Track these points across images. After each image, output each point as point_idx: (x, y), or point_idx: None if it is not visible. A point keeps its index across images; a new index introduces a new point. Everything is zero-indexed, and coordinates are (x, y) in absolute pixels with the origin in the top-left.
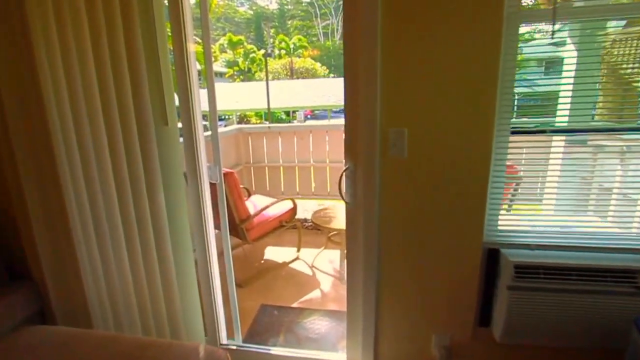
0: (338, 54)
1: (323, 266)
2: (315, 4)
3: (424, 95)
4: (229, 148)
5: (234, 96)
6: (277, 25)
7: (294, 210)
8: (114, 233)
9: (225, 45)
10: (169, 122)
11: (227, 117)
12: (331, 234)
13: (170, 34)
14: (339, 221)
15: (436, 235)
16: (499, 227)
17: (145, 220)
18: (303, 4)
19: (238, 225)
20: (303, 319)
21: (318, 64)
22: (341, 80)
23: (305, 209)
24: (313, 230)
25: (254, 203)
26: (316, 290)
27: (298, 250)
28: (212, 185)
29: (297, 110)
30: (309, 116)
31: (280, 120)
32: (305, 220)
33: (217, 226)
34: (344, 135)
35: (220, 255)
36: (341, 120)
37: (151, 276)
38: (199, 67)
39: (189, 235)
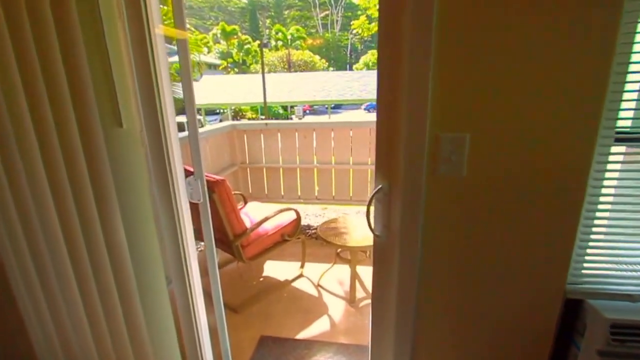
0: (337, 47)
1: (330, 286)
2: None
3: (496, 90)
4: (222, 147)
5: (228, 89)
6: (273, 15)
7: (297, 221)
8: (61, 273)
9: (219, 36)
10: (124, 123)
11: (222, 110)
12: (340, 250)
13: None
14: (351, 236)
15: (498, 280)
16: (586, 270)
17: (99, 252)
18: None
19: (232, 242)
20: (311, 357)
21: (317, 57)
22: (341, 73)
23: (307, 214)
24: (318, 241)
25: (251, 213)
26: (324, 316)
27: (302, 266)
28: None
29: (296, 105)
30: (307, 111)
31: (277, 115)
32: (309, 227)
33: (201, 238)
34: (375, 143)
35: (207, 274)
36: (342, 117)
37: (112, 319)
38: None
39: (161, 263)
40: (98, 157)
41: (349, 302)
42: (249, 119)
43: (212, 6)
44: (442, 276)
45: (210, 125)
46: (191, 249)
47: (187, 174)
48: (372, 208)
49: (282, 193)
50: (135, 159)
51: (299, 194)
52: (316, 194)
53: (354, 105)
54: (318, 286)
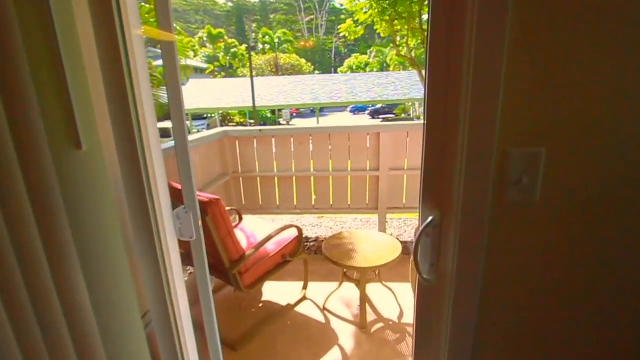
0: (322, 50)
1: (338, 309)
2: None
3: (581, 93)
4: (213, 156)
5: (215, 93)
6: (259, 18)
7: (299, 239)
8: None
9: (205, 39)
10: (84, 143)
11: (209, 115)
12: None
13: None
14: (359, 254)
15: (585, 343)
16: None
17: (49, 306)
18: None
19: (229, 271)
20: None
21: (303, 60)
22: (328, 76)
23: (303, 224)
24: (319, 256)
25: (248, 230)
26: (334, 348)
27: (305, 288)
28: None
29: (283, 109)
30: (294, 114)
31: (265, 119)
32: (307, 240)
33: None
34: (423, 163)
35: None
36: (329, 120)
37: None
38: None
39: (135, 305)
40: (45, 188)
41: (359, 328)
42: (237, 123)
43: (197, 10)
44: (508, 337)
45: (199, 133)
46: (179, 289)
47: (173, 193)
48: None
49: (278, 203)
50: (99, 187)
51: (295, 203)
52: (313, 203)
53: (340, 107)
54: (324, 310)
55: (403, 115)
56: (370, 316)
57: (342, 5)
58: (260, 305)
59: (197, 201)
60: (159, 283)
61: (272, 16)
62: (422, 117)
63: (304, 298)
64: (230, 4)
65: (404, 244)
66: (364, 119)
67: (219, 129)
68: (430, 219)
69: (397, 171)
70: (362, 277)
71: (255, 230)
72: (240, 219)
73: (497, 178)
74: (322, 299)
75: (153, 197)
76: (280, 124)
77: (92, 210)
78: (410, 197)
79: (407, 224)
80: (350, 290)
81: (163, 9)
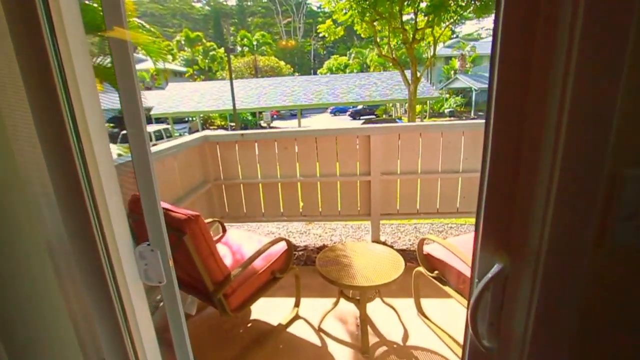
0: (301, 52)
1: (334, 329)
2: (276, 1)
3: None
4: (193, 163)
5: (195, 97)
6: (236, 21)
7: (289, 253)
8: None
9: (183, 43)
10: None
11: (190, 119)
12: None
13: None
14: (358, 270)
15: None
16: None
17: None
18: (263, 1)
19: (213, 295)
20: None
21: (282, 62)
22: (308, 78)
23: (290, 232)
24: (309, 267)
25: (233, 244)
26: None
27: (297, 305)
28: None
29: (264, 111)
30: (275, 116)
31: (246, 122)
32: (295, 248)
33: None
34: (484, 193)
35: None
36: (310, 121)
37: None
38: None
39: None
40: None
41: (360, 352)
42: (218, 126)
43: (174, 13)
44: None
45: (178, 139)
46: (147, 344)
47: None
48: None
49: (263, 211)
50: (19, 223)
51: (282, 210)
52: (301, 210)
53: (320, 109)
54: (319, 331)
55: (384, 116)
56: (372, 338)
57: (319, 7)
58: (249, 325)
59: (167, 237)
60: (116, 337)
61: (249, 19)
62: (404, 118)
63: (297, 317)
64: (207, 8)
65: (402, 251)
66: (345, 120)
67: (199, 134)
68: (497, 268)
69: (390, 175)
70: (362, 296)
71: (240, 243)
72: (224, 230)
73: (601, 211)
74: (317, 318)
75: (103, 229)
76: (261, 126)
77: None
78: (404, 202)
79: (401, 230)
80: (347, 307)
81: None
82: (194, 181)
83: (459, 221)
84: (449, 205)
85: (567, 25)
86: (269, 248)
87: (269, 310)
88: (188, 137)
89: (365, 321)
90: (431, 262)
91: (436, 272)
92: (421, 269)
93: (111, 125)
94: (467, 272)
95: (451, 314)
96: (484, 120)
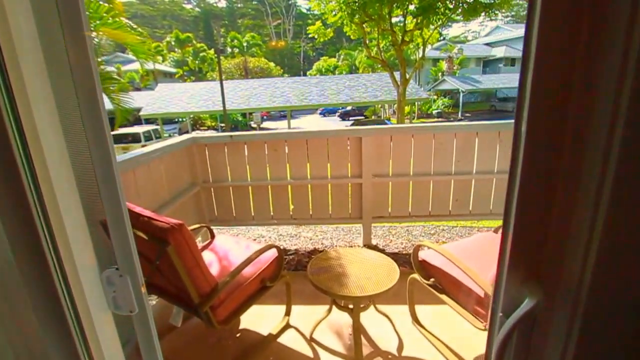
0: (291, 54)
1: (327, 339)
2: (266, 3)
3: None
4: (181, 165)
5: (185, 97)
6: (227, 23)
7: (279, 260)
8: None
9: (173, 43)
10: None
11: (180, 119)
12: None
13: None
14: (351, 279)
15: None
16: None
17: None
18: (253, 2)
19: (198, 307)
20: None
21: (272, 64)
22: (298, 79)
23: (280, 235)
24: (300, 272)
25: (220, 250)
26: None
27: (287, 314)
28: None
29: (254, 112)
30: (265, 117)
31: (236, 123)
32: (285, 252)
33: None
34: (514, 213)
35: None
36: (300, 122)
37: None
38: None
39: None
40: None
41: None
42: (208, 127)
43: (164, 15)
44: None
45: (164, 141)
46: None
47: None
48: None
49: (253, 214)
50: None
51: (272, 214)
52: (291, 213)
53: (310, 110)
54: (311, 340)
55: (373, 117)
56: (365, 348)
57: (308, 10)
58: (238, 335)
59: (137, 259)
60: None
61: (239, 21)
62: (393, 120)
63: (287, 326)
64: (197, 9)
65: (394, 255)
66: (334, 121)
67: (186, 136)
68: (529, 304)
69: (382, 178)
70: (355, 306)
71: (229, 250)
72: (212, 236)
73: None
74: (308, 327)
75: (58, 249)
76: (251, 127)
77: None
78: (396, 205)
79: (392, 233)
80: (339, 316)
81: None
82: (182, 184)
83: (450, 223)
84: (442, 208)
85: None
86: (259, 256)
87: (258, 319)
88: (175, 139)
89: (358, 331)
90: (427, 269)
91: (432, 279)
92: (416, 276)
93: None
94: (466, 280)
95: (446, 321)
96: (475, 122)
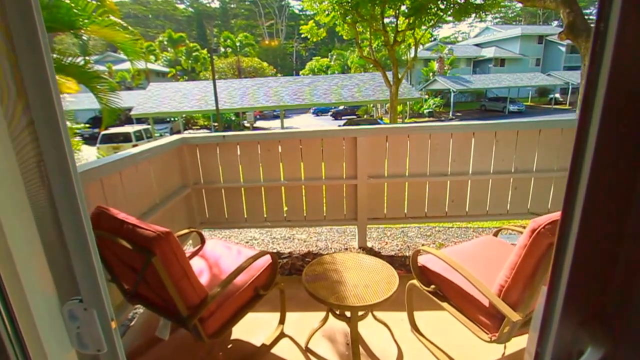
0: (284, 54)
1: (323, 349)
2: (259, 3)
3: None
4: (170, 166)
5: (177, 97)
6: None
7: (273, 267)
8: None
9: (166, 43)
10: None
11: (172, 119)
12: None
13: None
14: (348, 287)
15: None
16: None
17: None
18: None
19: (187, 320)
20: None
21: (265, 63)
22: (291, 78)
23: (274, 238)
24: (294, 277)
25: (210, 257)
26: None
27: (282, 322)
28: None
29: (247, 112)
30: (257, 116)
31: (229, 122)
32: (279, 255)
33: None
34: (575, 240)
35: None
36: (292, 121)
37: None
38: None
39: None
40: None
41: None
42: (200, 126)
43: (157, 15)
44: None
45: (153, 142)
46: None
47: (112, 226)
48: None
49: (245, 216)
50: None
51: (265, 216)
52: (285, 215)
53: (302, 109)
54: (307, 351)
55: (365, 116)
56: (363, 358)
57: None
58: (230, 346)
59: (105, 289)
60: None
61: (232, 21)
62: (385, 119)
63: (282, 335)
64: (190, 10)
65: (390, 257)
66: (327, 120)
67: (176, 136)
68: (593, 356)
69: (377, 179)
70: (353, 315)
71: (220, 256)
72: (203, 242)
73: None
74: (303, 335)
75: None
76: (244, 127)
77: None
78: (392, 206)
79: (387, 234)
80: (336, 324)
81: None
82: (172, 186)
83: (446, 224)
84: (438, 209)
85: None
86: (252, 263)
87: (251, 328)
88: (164, 140)
89: (356, 341)
90: (427, 275)
91: (433, 286)
92: (415, 282)
93: (87, 126)
94: (469, 288)
95: (446, 328)
96: (472, 122)
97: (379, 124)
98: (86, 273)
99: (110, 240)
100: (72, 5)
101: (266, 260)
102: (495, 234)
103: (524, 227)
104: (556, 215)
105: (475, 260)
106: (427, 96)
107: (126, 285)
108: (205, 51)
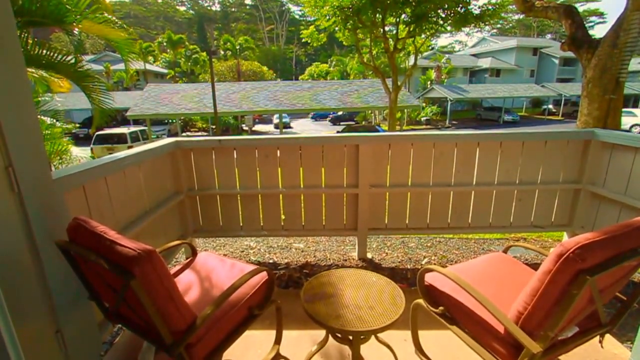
0: (283, 59)
1: None
2: (260, 8)
3: None
4: (162, 172)
5: (175, 99)
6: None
7: (268, 284)
8: None
9: (165, 44)
10: None
11: (170, 121)
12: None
13: None
14: (353, 311)
15: None
16: None
17: None
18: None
19: (172, 348)
20: None
21: (265, 68)
22: (291, 83)
23: (270, 247)
24: (291, 291)
25: (201, 271)
26: None
27: (277, 342)
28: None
29: (246, 115)
30: (256, 120)
31: (228, 125)
32: (275, 266)
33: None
34: None
35: None
36: (292, 126)
37: None
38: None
39: None
40: None
41: None
42: (199, 128)
43: (157, 16)
44: None
45: (144, 145)
46: None
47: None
48: None
49: (241, 224)
50: None
51: (262, 224)
52: (282, 223)
53: (301, 114)
54: None
55: (364, 122)
56: None
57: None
58: None
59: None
60: None
61: (233, 25)
62: (383, 125)
63: (278, 356)
64: (191, 12)
65: (391, 269)
66: (326, 125)
67: (169, 139)
68: None
69: (379, 188)
70: (355, 339)
71: (212, 270)
72: (194, 254)
73: None
74: (301, 356)
75: None
76: (243, 130)
77: None
78: (393, 216)
79: (387, 245)
80: (336, 345)
81: None
82: (164, 192)
83: (447, 236)
84: (440, 220)
85: None
86: (246, 281)
87: (244, 348)
88: (155, 143)
89: None
90: (434, 295)
91: (441, 308)
92: (422, 301)
93: (78, 125)
94: (481, 311)
95: (453, 351)
96: (477, 132)
97: (377, 130)
98: None
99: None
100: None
101: (262, 276)
102: (505, 251)
103: (525, 239)
104: (585, 237)
105: (486, 280)
106: (424, 104)
107: (107, 304)
108: (204, 53)
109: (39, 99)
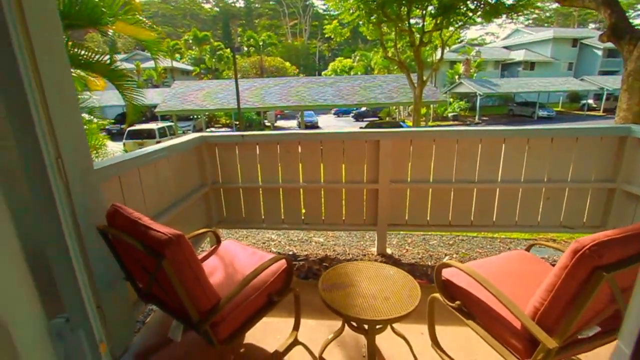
0: (307, 54)
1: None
2: (283, 3)
3: None
4: (189, 165)
5: (200, 95)
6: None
7: (288, 272)
8: None
9: (191, 42)
10: None
11: (195, 117)
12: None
13: None
14: (367, 299)
15: None
16: None
17: None
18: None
19: (198, 325)
20: None
21: (288, 63)
22: (314, 79)
23: (291, 240)
24: (310, 282)
25: (225, 257)
26: None
27: (296, 328)
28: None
29: (268, 111)
30: (279, 116)
31: (251, 121)
32: (295, 257)
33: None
34: None
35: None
36: (320, 122)
37: None
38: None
39: None
40: None
41: None
42: (222, 124)
43: (184, 14)
44: None
45: (172, 140)
46: None
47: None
48: None
49: (263, 216)
50: None
51: (283, 217)
52: (303, 217)
53: (324, 109)
54: None
55: (387, 119)
56: None
57: (325, 10)
58: (242, 350)
59: (92, 306)
60: None
61: (257, 20)
62: (408, 121)
63: (296, 342)
64: (216, 9)
65: (410, 265)
66: (348, 122)
67: (196, 135)
68: None
69: (399, 184)
70: (371, 329)
71: (234, 257)
72: (218, 242)
73: None
74: (318, 344)
75: None
76: (265, 125)
77: None
78: (414, 213)
79: (408, 241)
80: (352, 334)
81: None
82: (190, 185)
83: (471, 234)
84: (463, 218)
85: None
86: (266, 268)
87: (264, 333)
88: (183, 138)
89: (373, 355)
90: (451, 290)
91: (458, 302)
92: (438, 295)
93: (112, 121)
94: (498, 307)
95: (469, 345)
96: (502, 127)
97: (401, 126)
98: (71, 289)
99: (124, 239)
100: (99, 2)
101: (281, 264)
102: (528, 249)
103: (554, 240)
104: (603, 235)
105: (504, 276)
106: (451, 99)
107: (140, 284)
108: (228, 50)
109: (78, 96)
